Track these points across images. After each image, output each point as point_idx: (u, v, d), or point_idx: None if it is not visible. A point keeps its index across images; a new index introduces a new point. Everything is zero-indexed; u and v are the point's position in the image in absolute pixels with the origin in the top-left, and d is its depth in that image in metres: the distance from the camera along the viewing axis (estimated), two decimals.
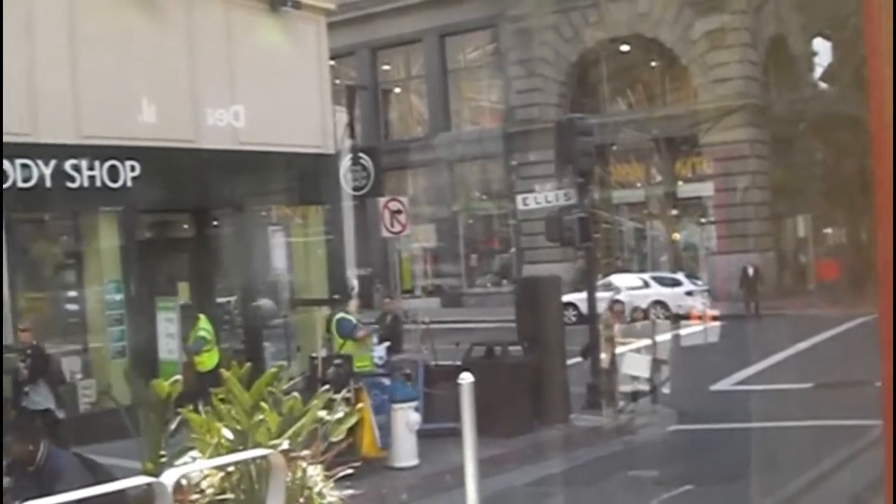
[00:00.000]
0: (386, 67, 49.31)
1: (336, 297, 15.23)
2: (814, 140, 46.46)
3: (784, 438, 14.70)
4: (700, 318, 33.37)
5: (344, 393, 11.98)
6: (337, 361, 12.19)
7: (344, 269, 18.92)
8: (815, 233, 45.62)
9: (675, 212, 42.31)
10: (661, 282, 35.21)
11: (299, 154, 17.83)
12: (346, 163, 18.02)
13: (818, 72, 49.85)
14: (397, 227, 23.16)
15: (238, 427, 7.25)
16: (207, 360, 15.70)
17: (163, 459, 7.44)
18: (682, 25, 40.08)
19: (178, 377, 8.65)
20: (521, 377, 15.33)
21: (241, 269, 17.36)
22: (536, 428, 15.45)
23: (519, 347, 15.99)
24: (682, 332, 30.86)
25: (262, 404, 7.31)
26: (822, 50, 48.58)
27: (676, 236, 42.16)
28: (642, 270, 39.99)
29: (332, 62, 48.97)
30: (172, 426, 7.85)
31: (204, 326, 16.04)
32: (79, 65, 14.66)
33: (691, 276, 36.56)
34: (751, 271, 34.43)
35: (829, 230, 49.18)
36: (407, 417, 12.61)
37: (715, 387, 19.85)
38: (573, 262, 42.69)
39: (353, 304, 14.53)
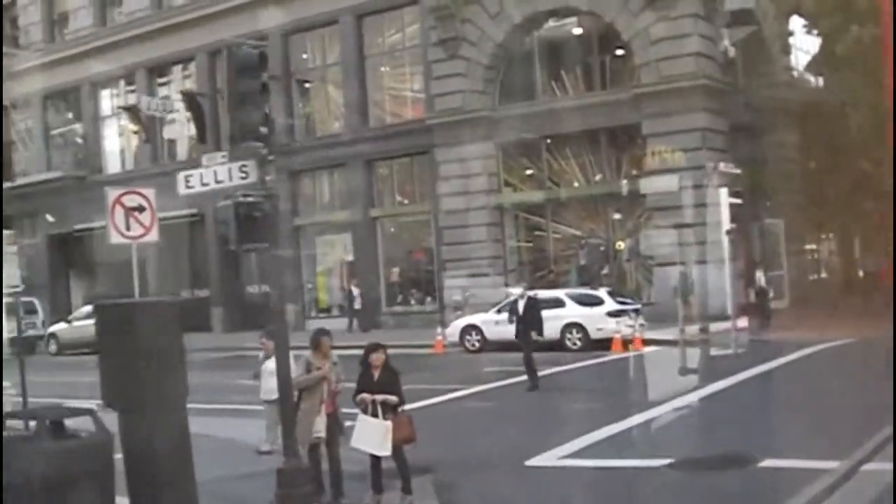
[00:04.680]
0: (305, 56, 43.14)
1: None
2: (790, 133, 39.95)
3: None
4: (626, 344, 27.01)
5: None
6: None
7: None
8: (788, 242, 38.81)
9: (617, 215, 35.71)
10: (580, 300, 28.63)
11: None
12: None
13: (799, 56, 43.30)
14: (137, 230, 17.05)
15: None
16: None
17: None
18: None
19: None
20: (90, 468, 8.93)
21: None
22: None
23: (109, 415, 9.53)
24: (587, 362, 24.71)
25: None
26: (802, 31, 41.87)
27: (621, 244, 35.53)
28: (584, 285, 33.46)
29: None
30: None
31: None
32: None
33: (614, 293, 29.99)
34: None
35: (811, 243, 42.74)
36: None
37: (533, 461, 13.30)
38: (501, 275, 36.41)
39: None
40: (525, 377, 20.35)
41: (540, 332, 20.97)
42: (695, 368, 21.88)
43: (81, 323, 36.90)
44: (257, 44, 10.52)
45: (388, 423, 11.32)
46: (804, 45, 43.05)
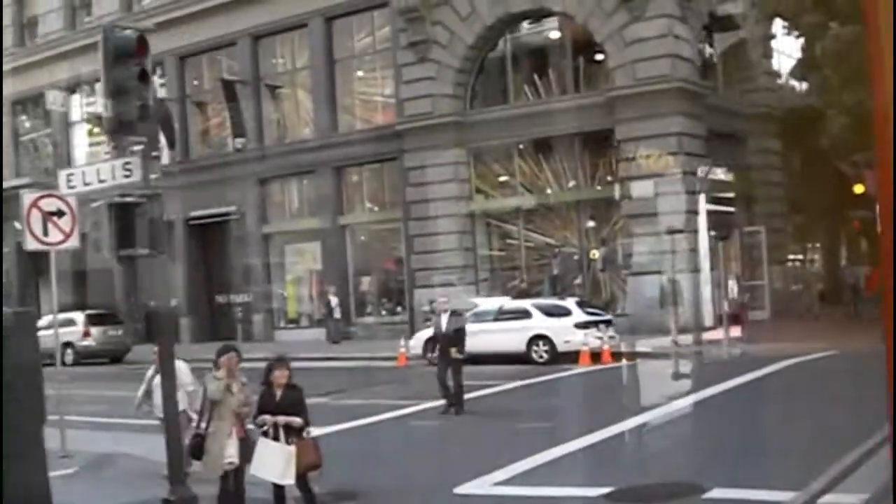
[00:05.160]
0: (274, 60, 42.00)
1: None
2: (771, 139, 38.91)
3: None
4: (594, 356, 25.82)
5: None
6: None
7: None
8: (770, 250, 37.58)
9: (591, 223, 34.55)
10: (547, 310, 27.43)
11: None
12: None
13: (782, 62, 42.13)
14: (57, 236, 15.93)
15: None
16: None
17: None
18: None
19: None
20: None
21: None
22: None
23: None
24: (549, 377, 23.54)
25: None
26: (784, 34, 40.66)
27: (595, 253, 34.32)
28: (556, 295, 32.20)
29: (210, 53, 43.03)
30: None
31: None
32: None
33: (584, 303, 28.81)
34: None
35: (794, 252, 41.59)
36: None
37: (463, 488, 12.11)
38: (472, 284, 35.22)
39: None
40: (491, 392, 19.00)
41: (461, 350, 19.01)
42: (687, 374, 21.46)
43: (42, 333, 35.64)
44: (137, 27, 9.35)
45: (292, 448, 10.13)
46: (787, 50, 41.92)
